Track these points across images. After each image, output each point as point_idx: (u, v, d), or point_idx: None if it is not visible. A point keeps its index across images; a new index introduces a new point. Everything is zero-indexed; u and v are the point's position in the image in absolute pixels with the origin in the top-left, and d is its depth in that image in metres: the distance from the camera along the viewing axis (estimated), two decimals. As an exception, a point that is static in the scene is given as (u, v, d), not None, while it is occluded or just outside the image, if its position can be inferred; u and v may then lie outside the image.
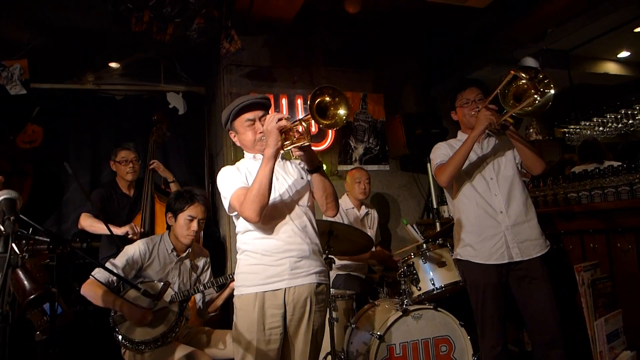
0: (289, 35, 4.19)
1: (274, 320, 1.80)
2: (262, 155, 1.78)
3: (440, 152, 2.45)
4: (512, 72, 2.11)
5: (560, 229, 2.89)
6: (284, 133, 1.74)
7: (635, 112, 5.21)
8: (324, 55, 4.37)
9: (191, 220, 2.52)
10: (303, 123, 1.71)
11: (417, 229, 3.27)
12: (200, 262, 2.74)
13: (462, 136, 2.48)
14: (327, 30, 4.37)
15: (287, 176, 1.97)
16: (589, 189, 2.76)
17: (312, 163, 1.90)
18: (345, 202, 3.61)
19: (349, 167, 4.12)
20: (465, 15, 4.15)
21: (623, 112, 5.39)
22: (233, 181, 1.87)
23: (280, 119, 1.70)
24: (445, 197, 2.61)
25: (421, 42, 4.77)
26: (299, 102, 4.10)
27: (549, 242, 2.35)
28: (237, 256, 1.94)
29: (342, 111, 1.71)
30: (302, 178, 1.98)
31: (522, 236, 2.28)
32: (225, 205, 1.91)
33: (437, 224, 3.81)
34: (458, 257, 2.46)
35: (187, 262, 2.64)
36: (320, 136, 4.16)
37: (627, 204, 2.53)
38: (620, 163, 2.75)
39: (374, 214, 3.73)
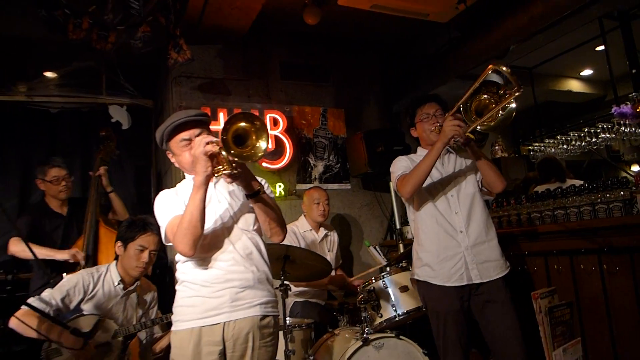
0: (244, 46, 4.04)
1: (211, 358, 1.65)
2: None
3: (402, 165, 2.37)
4: (491, 65, 1.97)
5: (524, 249, 2.82)
6: (215, 158, 1.59)
7: (598, 131, 5.28)
8: (282, 68, 4.24)
9: (142, 251, 2.37)
10: (222, 152, 1.55)
11: (379, 251, 3.15)
12: (148, 297, 2.58)
13: (422, 151, 2.40)
14: (285, 42, 4.26)
15: (231, 198, 1.82)
16: (552, 208, 2.70)
17: (249, 188, 1.73)
18: (302, 224, 3.41)
19: (308, 185, 3.93)
20: (428, 30, 4.12)
21: (586, 130, 5.45)
22: (169, 208, 1.74)
23: (207, 143, 1.56)
24: (408, 216, 2.48)
25: (383, 57, 4.73)
26: (255, 116, 3.90)
27: (509, 264, 2.29)
28: (176, 287, 1.79)
29: (262, 144, 1.58)
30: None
31: (482, 257, 2.21)
32: (162, 234, 1.77)
33: (401, 246, 3.66)
34: (416, 277, 2.35)
35: (134, 296, 2.47)
36: (277, 153, 3.97)
37: (589, 224, 2.48)
38: (582, 182, 2.71)
39: (333, 236, 3.54)
